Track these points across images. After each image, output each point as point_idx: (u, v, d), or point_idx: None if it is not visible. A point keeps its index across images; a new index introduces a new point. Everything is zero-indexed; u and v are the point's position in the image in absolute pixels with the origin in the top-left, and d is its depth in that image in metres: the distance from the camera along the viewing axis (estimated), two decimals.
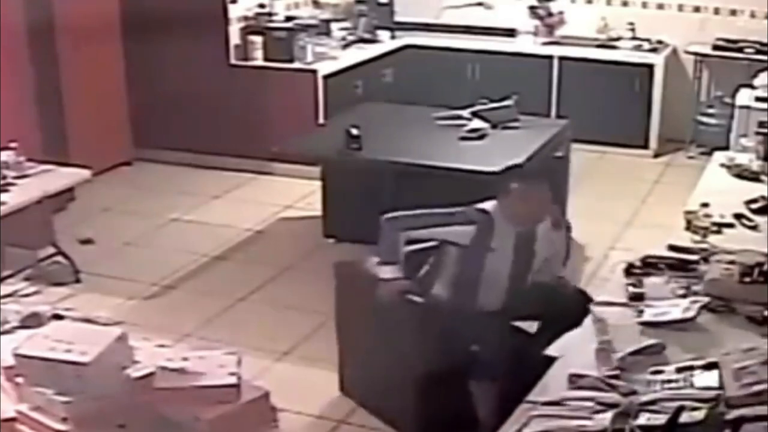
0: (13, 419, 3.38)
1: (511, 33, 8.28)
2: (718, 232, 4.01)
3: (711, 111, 7.79)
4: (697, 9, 7.98)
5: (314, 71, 7.14)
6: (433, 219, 3.95)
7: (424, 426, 4.00)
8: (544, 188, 3.91)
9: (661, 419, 2.44)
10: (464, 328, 3.87)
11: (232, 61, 7.32)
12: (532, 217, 3.88)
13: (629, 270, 3.59)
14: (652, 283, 3.48)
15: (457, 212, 3.93)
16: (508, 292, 3.93)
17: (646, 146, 7.90)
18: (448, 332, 3.87)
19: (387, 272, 3.94)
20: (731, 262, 3.43)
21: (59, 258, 5.62)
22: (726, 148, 5.95)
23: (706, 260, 3.57)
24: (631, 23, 8.01)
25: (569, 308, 3.70)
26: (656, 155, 7.93)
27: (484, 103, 5.97)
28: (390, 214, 4.00)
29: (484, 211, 3.90)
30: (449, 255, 3.99)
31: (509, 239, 3.88)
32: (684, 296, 3.33)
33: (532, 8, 8.20)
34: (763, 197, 4.35)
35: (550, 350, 4.18)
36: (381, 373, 4.15)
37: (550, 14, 8.18)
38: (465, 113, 5.88)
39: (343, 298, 4.36)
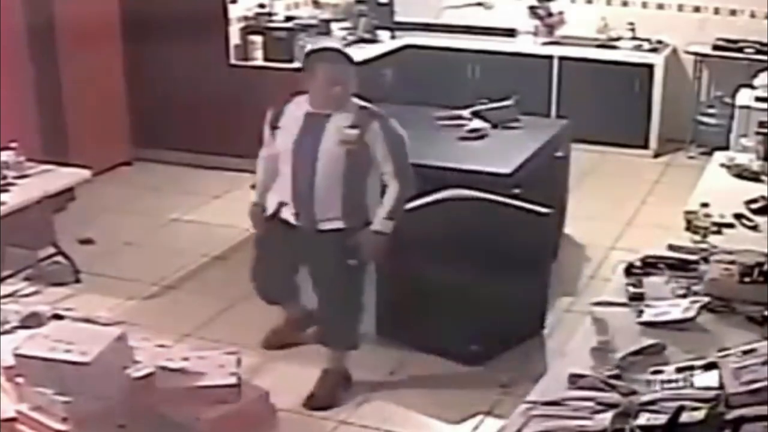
0: (13, 419, 3.39)
1: (511, 33, 8.28)
2: (718, 232, 4.00)
3: (711, 111, 7.79)
4: (697, 9, 7.98)
5: None
6: None
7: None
8: (343, 69, 4.14)
9: (661, 419, 2.44)
10: None
11: (232, 61, 7.33)
12: (328, 101, 4.12)
13: (629, 270, 3.58)
14: (652, 283, 3.47)
15: None
16: (297, 168, 4.22)
17: (646, 146, 7.91)
18: None
19: None
20: (731, 262, 3.42)
21: (59, 258, 5.61)
22: (726, 148, 5.94)
23: (706, 260, 3.56)
24: (631, 23, 8.01)
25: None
26: (656, 155, 7.93)
27: (484, 103, 5.96)
28: None
29: None
30: None
31: (298, 120, 4.20)
32: (684, 296, 3.32)
33: (532, 8, 8.21)
34: (763, 197, 4.34)
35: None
36: None
37: (550, 14, 8.19)
38: (465, 113, 5.87)
39: None
